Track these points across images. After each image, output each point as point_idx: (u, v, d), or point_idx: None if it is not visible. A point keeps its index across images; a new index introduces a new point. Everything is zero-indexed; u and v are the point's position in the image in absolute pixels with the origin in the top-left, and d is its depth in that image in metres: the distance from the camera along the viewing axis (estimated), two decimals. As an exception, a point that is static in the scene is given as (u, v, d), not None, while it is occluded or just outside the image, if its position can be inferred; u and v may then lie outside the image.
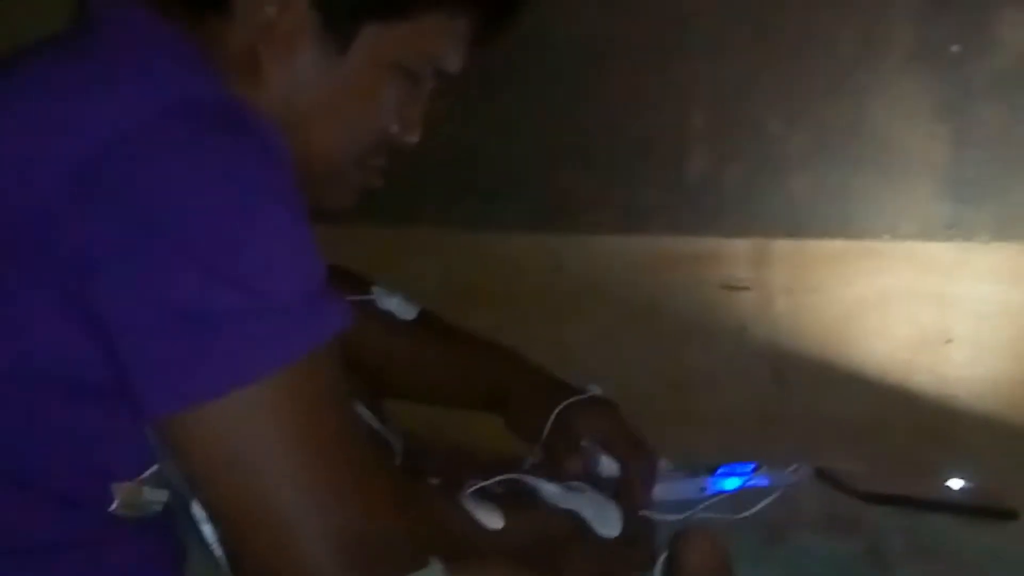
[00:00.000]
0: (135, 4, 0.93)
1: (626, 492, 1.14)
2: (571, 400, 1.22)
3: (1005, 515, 1.26)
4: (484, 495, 1.03)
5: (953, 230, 1.50)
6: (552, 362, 1.40)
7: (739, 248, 1.58)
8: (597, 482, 1.18)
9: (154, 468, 0.86)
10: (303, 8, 0.95)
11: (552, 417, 1.21)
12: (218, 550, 0.83)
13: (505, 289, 1.67)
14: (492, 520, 0.94)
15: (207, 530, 0.84)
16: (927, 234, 1.51)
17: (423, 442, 1.40)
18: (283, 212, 0.81)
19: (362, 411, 1.19)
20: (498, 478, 1.09)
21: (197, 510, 0.83)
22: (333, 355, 0.82)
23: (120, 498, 0.85)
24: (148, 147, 0.78)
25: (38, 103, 0.83)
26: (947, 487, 1.31)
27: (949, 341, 1.50)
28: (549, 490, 1.05)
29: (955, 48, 1.48)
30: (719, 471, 1.25)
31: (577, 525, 1.03)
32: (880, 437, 1.49)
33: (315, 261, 0.83)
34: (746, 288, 1.59)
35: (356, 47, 0.96)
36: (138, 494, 0.86)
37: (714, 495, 1.21)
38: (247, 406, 0.77)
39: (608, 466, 1.23)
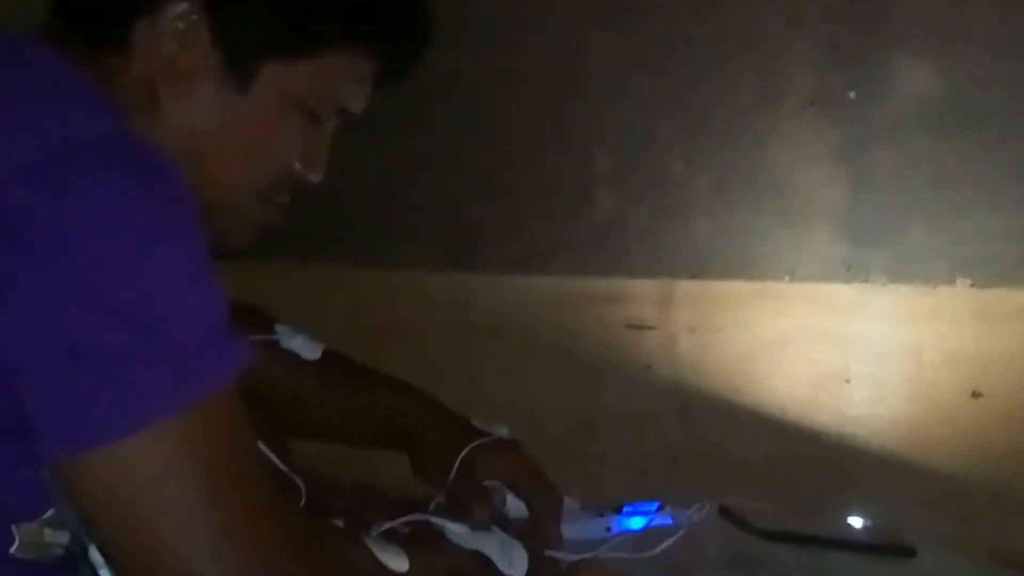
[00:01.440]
0: (30, 40, 0.92)
1: (533, 532, 1.14)
2: (477, 442, 1.22)
3: (903, 552, 1.28)
4: (390, 536, 1.02)
5: (851, 272, 1.52)
6: (461, 400, 1.39)
7: (644, 288, 1.59)
8: (505, 523, 1.17)
9: (53, 510, 0.84)
10: (204, 46, 0.93)
11: (458, 460, 1.21)
12: (117, 597, 0.81)
13: (413, 326, 1.67)
14: (397, 562, 0.93)
15: (104, 575, 0.82)
16: (826, 276, 1.53)
17: (328, 481, 1.38)
18: (182, 250, 0.80)
19: (265, 450, 1.16)
20: (404, 519, 1.08)
21: (95, 555, 0.81)
22: (234, 394, 0.81)
23: (20, 539, 0.83)
24: (43, 184, 0.76)
25: None
26: (847, 525, 1.32)
27: (848, 380, 1.52)
28: (455, 530, 1.05)
29: (852, 94, 1.51)
30: (624, 510, 1.25)
31: (483, 565, 1.02)
32: (782, 474, 1.51)
33: (215, 299, 0.81)
34: (651, 327, 1.59)
35: (258, 85, 0.95)
36: (39, 536, 0.84)
37: (619, 534, 1.21)
38: (144, 450, 0.75)
39: (515, 507, 1.22)
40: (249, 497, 0.79)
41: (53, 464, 0.78)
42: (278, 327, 1.31)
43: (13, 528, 0.82)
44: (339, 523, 1.23)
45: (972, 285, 1.48)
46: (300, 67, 0.97)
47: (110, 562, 0.80)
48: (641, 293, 1.60)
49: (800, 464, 1.51)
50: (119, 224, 0.77)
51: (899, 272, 1.51)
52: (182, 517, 0.76)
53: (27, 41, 0.92)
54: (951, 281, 1.49)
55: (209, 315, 0.80)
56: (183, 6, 0.93)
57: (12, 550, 0.82)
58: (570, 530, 1.23)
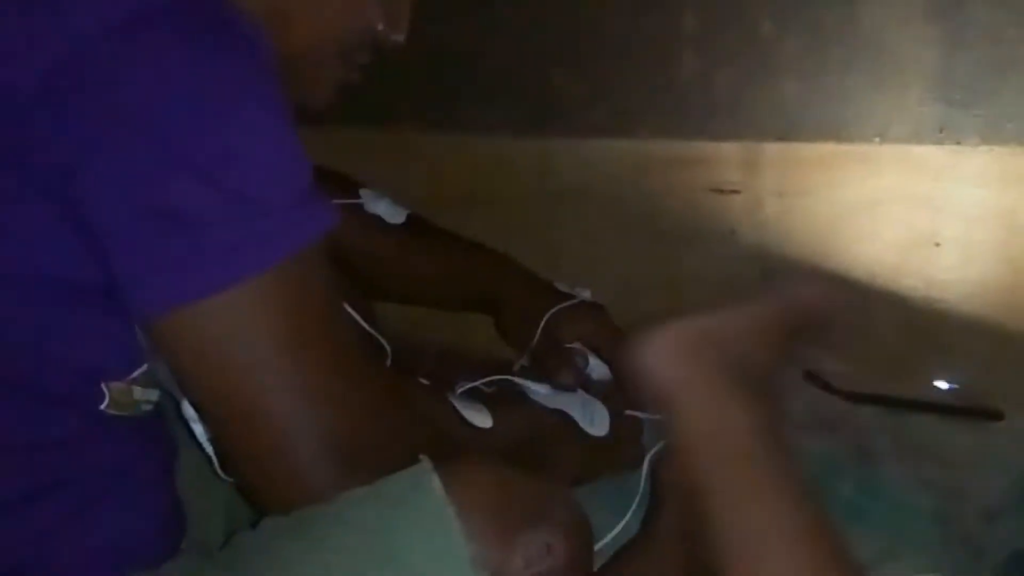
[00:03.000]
0: None
1: (615, 392, 1.15)
2: (560, 306, 1.23)
3: (991, 416, 1.28)
4: (473, 395, 1.04)
5: (943, 133, 1.49)
6: (542, 265, 1.40)
7: (729, 152, 1.58)
8: (587, 384, 1.19)
9: (144, 368, 0.86)
10: None
11: (542, 323, 1.22)
12: (209, 448, 0.84)
13: (495, 192, 1.68)
14: (481, 419, 0.95)
15: (198, 429, 0.84)
16: (917, 137, 1.51)
17: (413, 343, 1.40)
18: (267, 112, 0.81)
19: (352, 313, 1.18)
20: (487, 379, 1.10)
21: (187, 409, 0.84)
22: (321, 255, 0.82)
23: (111, 397, 0.85)
24: (127, 46, 0.77)
25: (12, 9, 0.81)
26: (934, 388, 1.33)
27: (938, 244, 1.51)
28: (538, 390, 1.07)
29: (949, -54, 1.47)
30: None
31: (566, 424, 1.04)
32: (869, 338, 1.50)
33: (300, 161, 0.82)
34: (736, 192, 1.59)
35: None
36: (129, 393, 0.86)
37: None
38: (232, 307, 0.77)
39: (598, 368, 1.24)
40: (337, 354, 0.81)
41: (145, 323, 0.80)
42: (362, 191, 1.32)
43: (103, 386, 0.85)
44: (424, 381, 1.26)
45: (1070, 146, 1.46)
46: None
47: (202, 416, 0.83)
48: (726, 156, 1.59)
49: (887, 328, 1.51)
50: (204, 87, 0.78)
51: (993, 134, 1.48)
52: (270, 372, 0.78)
53: None
54: (1048, 142, 1.47)
55: (294, 177, 0.81)
56: None
57: (103, 407, 0.85)
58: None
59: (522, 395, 1.05)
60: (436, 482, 0.73)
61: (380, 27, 1.01)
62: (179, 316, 0.78)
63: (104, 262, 0.79)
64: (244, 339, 0.78)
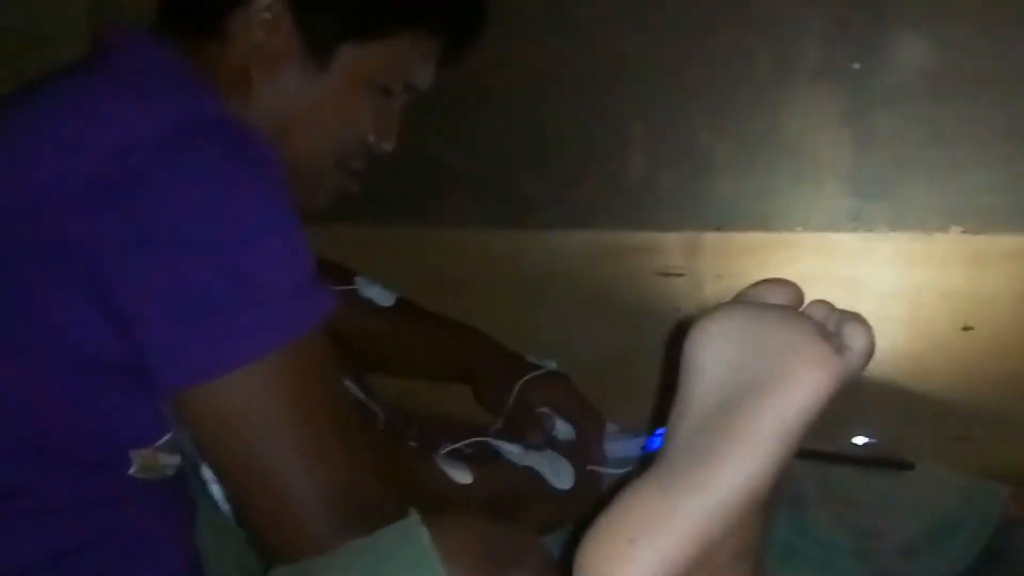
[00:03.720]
0: (141, 34, 0.94)
1: (578, 450, 1.16)
2: (530, 375, 1.24)
3: (902, 466, 1.29)
4: (455, 456, 1.04)
5: (856, 222, 1.51)
6: (514, 341, 1.41)
7: (673, 241, 1.59)
8: (554, 444, 1.19)
9: (168, 436, 0.86)
10: (288, 32, 0.95)
11: (515, 390, 1.23)
12: (225, 507, 0.84)
13: (472, 278, 1.68)
14: (462, 476, 0.95)
15: (215, 490, 0.84)
16: (834, 226, 1.52)
17: (402, 411, 1.40)
18: (276, 213, 0.82)
19: (349, 384, 1.19)
20: (467, 441, 1.11)
21: (206, 472, 0.84)
22: (322, 337, 0.83)
23: (138, 463, 0.86)
24: (157, 157, 0.79)
25: (59, 121, 0.83)
26: (853, 443, 1.33)
27: (854, 317, 1.51)
28: (511, 450, 1.07)
29: (856, 65, 1.49)
30: (656, 432, 1.26)
31: (535, 480, 1.05)
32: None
33: (305, 254, 0.84)
34: (680, 275, 1.59)
35: (336, 65, 0.97)
36: (154, 459, 0.87)
37: (653, 452, 1.23)
38: (246, 383, 0.78)
39: (563, 430, 1.24)
40: (336, 422, 0.81)
41: (170, 397, 0.81)
42: (357, 278, 1.34)
43: (131, 454, 0.85)
44: (412, 444, 1.25)
45: (964, 232, 1.47)
46: (373, 48, 0.99)
47: (218, 478, 0.83)
48: (671, 245, 1.59)
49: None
50: (223, 192, 0.79)
51: (899, 222, 1.50)
52: (278, 439, 0.79)
53: (141, 35, 0.94)
54: (945, 229, 1.48)
55: (300, 268, 0.83)
56: None
57: (131, 472, 0.85)
58: (610, 449, 1.25)
59: (497, 454, 1.05)
60: (424, 534, 0.74)
61: (372, 138, 1.03)
62: (200, 391, 0.78)
63: (132, 344, 0.79)
64: (256, 411, 0.78)
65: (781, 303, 0.69)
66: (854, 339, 0.65)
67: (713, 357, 0.64)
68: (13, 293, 0.79)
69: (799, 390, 0.61)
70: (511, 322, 1.61)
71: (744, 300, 0.69)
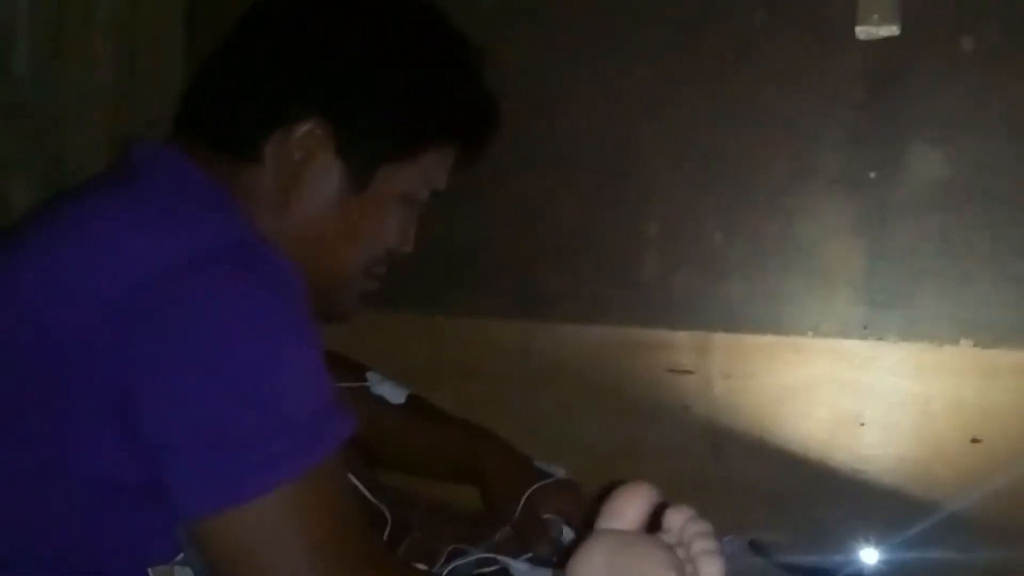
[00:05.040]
0: (172, 152, 0.95)
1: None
2: (539, 484, 1.24)
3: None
4: (462, 571, 1.03)
5: (867, 330, 1.51)
6: (522, 430, 1.41)
7: (684, 339, 1.59)
8: (560, 549, 1.19)
9: (182, 555, 0.86)
10: (328, 156, 0.96)
11: (523, 500, 1.23)
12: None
13: (484, 367, 1.68)
14: (471, 599, 0.95)
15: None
16: (845, 332, 1.52)
17: (409, 499, 1.40)
18: (298, 342, 0.82)
19: (356, 483, 1.18)
20: (474, 557, 1.10)
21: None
22: (337, 462, 0.83)
23: (154, 577, 0.86)
24: (187, 283, 0.79)
25: (81, 246, 0.83)
26: (858, 558, 1.32)
27: (862, 424, 1.51)
28: (518, 568, 1.06)
29: (872, 175, 1.50)
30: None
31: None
32: (804, 506, 1.50)
33: (323, 382, 0.84)
34: (690, 372, 1.59)
35: (373, 187, 0.99)
36: (169, 574, 0.86)
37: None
38: (264, 511, 0.78)
39: (570, 536, 1.24)
40: (349, 549, 0.81)
41: (187, 522, 0.81)
42: (369, 375, 1.34)
43: (149, 571, 0.85)
44: (417, 535, 1.25)
45: (974, 345, 1.47)
46: (407, 167, 1.01)
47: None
48: (681, 343, 1.59)
49: (819, 497, 1.51)
50: (244, 321, 0.79)
51: (910, 332, 1.50)
52: (295, 564, 0.79)
53: (170, 152, 0.94)
54: (956, 341, 1.47)
55: (320, 398, 0.83)
56: (309, 124, 0.96)
57: (148, 586, 0.85)
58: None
59: (504, 573, 1.05)
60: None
61: (394, 244, 1.04)
62: (217, 520, 0.78)
63: (151, 467, 0.79)
64: (271, 540, 0.78)
65: (641, 512, 0.71)
66: (705, 571, 0.69)
67: None
68: (40, 416, 0.79)
69: None
70: (520, 410, 1.62)
71: (607, 526, 0.72)
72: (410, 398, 1.33)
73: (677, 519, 0.72)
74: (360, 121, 0.97)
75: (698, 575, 0.69)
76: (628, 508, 0.72)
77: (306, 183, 0.96)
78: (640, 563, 0.67)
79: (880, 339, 1.51)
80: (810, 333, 1.54)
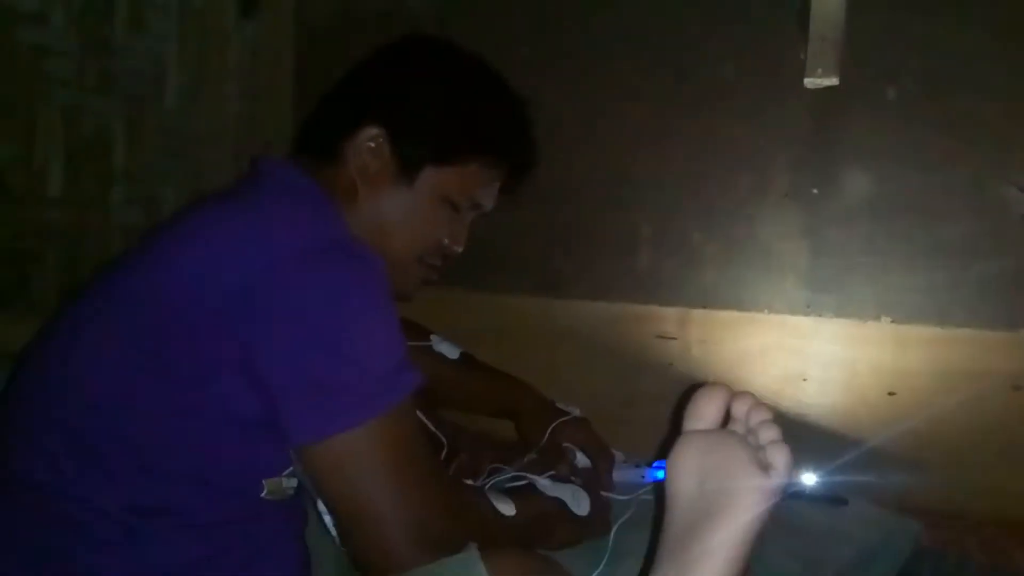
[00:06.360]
0: (288, 165, 0.95)
1: (593, 481, 1.15)
2: (560, 419, 1.24)
3: (839, 502, 1.27)
4: (501, 490, 1.03)
5: (809, 308, 1.51)
6: (544, 381, 1.41)
7: (669, 313, 1.59)
8: (575, 471, 1.18)
9: (290, 468, 0.87)
10: (387, 156, 0.96)
11: (548, 432, 1.23)
12: (333, 531, 0.84)
13: (515, 332, 1.68)
14: (507, 508, 0.94)
15: (327, 519, 0.84)
16: (792, 310, 1.52)
17: (460, 430, 1.40)
18: (380, 313, 0.82)
19: (422, 418, 1.18)
20: (510, 474, 1.10)
21: (321, 505, 0.84)
22: (412, 407, 0.83)
23: (268, 488, 0.86)
24: (295, 271, 0.79)
25: (216, 239, 0.83)
26: (799, 482, 1.31)
27: (805, 380, 1.51)
28: (542, 483, 1.06)
29: (815, 191, 1.50)
30: (654, 464, 1.25)
31: (561, 508, 1.03)
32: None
33: (399, 343, 0.83)
34: (673, 339, 1.59)
35: (419, 183, 0.97)
36: (280, 484, 0.87)
37: (651, 482, 1.22)
38: (354, 442, 0.79)
39: (582, 460, 1.23)
40: (421, 473, 0.81)
41: (294, 448, 0.81)
42: (432, 336, 1.34)
43: (263, 482, 0.85)
44: (465, 456, 1.24)
45: (892, 321, 1.46)
46: (449, 171, 0.99)
47: (329, 509, 0.83)
48: (667, 316, 1.60)
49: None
50: (341, 299, 0.80)
51: (842, 311, 1.49)
52: (374, 486, 0.79)
53: (289, 167, 0.94)
54: (877, 318, 1.47)
55: (396, 354, 0.83)
56: (374, 129, 0.96)
57: (262, 495, 0.86)
58: (617, 476, 1.24)
59: (532, 487, 1.04)
60: (481, 565, 0.73)
61: (445, 241, 1.03)
62: (317, 447, 0.79)
63: (268, 406, 0.80)
64: (358, 464, 0.79)
65: (717, 411, 0.70)
66: (776, 458, 0.67)
67: (680, 489, 0.68)
68: (183, 366, 0.79)
69: (743, 514, 0.65)
70: (540, 368, 1.61)
71: (694, 425, 0.70)
72: (463, 355, 1.33)
73: (742, 408, 0.71)
74: (409, 127, 0.96)
75: (769, 463, 0.66)
76: (707, 409, 0.71)
77: (371, 178, 0.96)
78: (726, 463, 0.66)
79: (819, 316, 1.51)
80: (765, 311, 1.54)
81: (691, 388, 0.77)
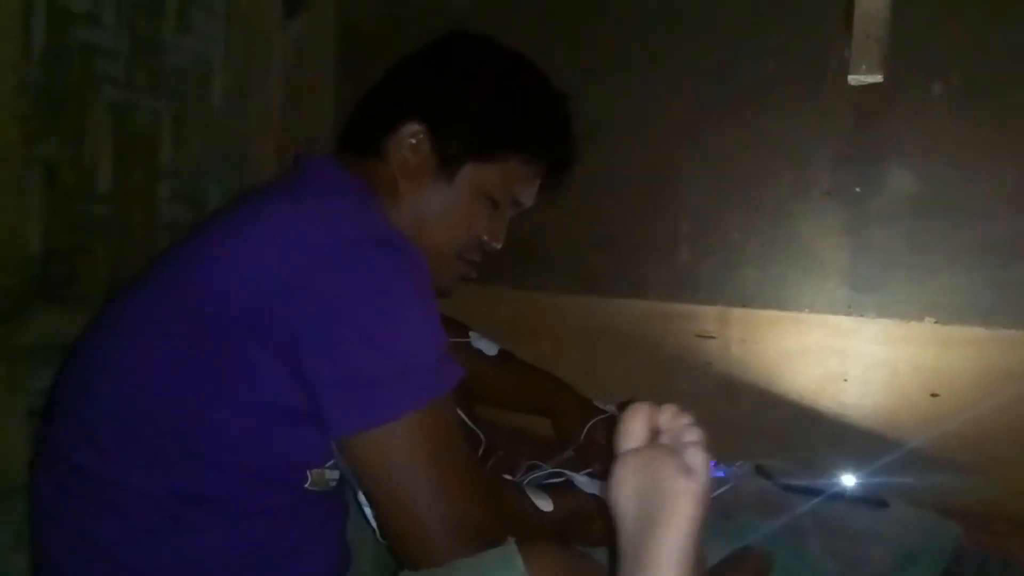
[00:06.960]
0: (331, 161, 0.96)
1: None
2: (597, 418, 1.24)
3: (879, 503, 1.26)
4: (539, 486, 1.03)
5: (850, 308, 1.49)
6: (582, 378, 1.41)
7: (709, 312, 1.58)
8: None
9: (333, 460, 0.88)
10: (427, 152, 0.97)
11: (585, 430, 1.23)
12: (373, 523, 0.85)
13: (552, 329, 1.69)
14: (545, 504, 0.95)
15: (367, 510, 0.85)
16: (833, 310, 1.50)
17: (497, 426, 1.40)
18: (421, 308, 0.83)
19: (461, 415, 1.19)
20: (548, 471, 1.10)
21: (361, 496, 0.84)
22: (451, 401, 0.84)
23: (311, 479, 0.87)
24: (337, 265, 0.80)
25: (261, 233, 0.85)
26: (842, 481, 1.30)
27: (846, 380, 1.49)
28: (580, 480, 1.06)
29: (857, 189, 1.48)
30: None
31: (597, 503, 1.04)
32: (798, 442, 1.49)
33: (440, 338, 0.84)
34: (712, 337, 1.58)
35: (459, 178, 0.98)
36: (323, 475, 0.88)
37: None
38: (395, 434, 0.79)
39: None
40: (458, 466, 0.82)
41: (336, 439, 0.82)
42: (471, 333, 1.35)
43: (307, 472, 0.87)
44: (501, 453, 1.25)
45: (935, 322, 1.44)
46: (488, 168, 1.00)
47: (369, 501, 0.84)
48: (706, 315, 1.59)
49: (811, 436, 1.49)
50: (384, 292, 0.80)
51: (884, 310, 1.47)
52: (414, 478, 0.79)
53: (333, 163, 0.95)
54: (920, 318, 1.44)
55: (437, 349, 0.83)
56: (415, 126, 0.96)
57: (306, 486, 0.87)
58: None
59: (570, 483, 1.05)
60: (519, 559, 0.74)
61: (484, 237, 1.03)
62: (359, 439, 0.79)
63: (312, 399, 0.81)
64: (399, 456, 0.79)
65: (643, 427, 0.75)
66: (693, 461, 0.70)
67: (623, 510, 0.72)
68: (229, 358, 0.81)
69: (679, 520, 0.68)
70: (578, 366, 1.61)
71: (627, 445, 0.74)
72: (501, 351, 1.34)
73: (665, 419, 0.74)
74: (450, 124, 0.97)
75: (686, 463, 0.69)
76: (634, 427, 0.73)
77: (411, 174, 0.97)
78: (656, 475, 0.70)
79: (861, 316, 1.49)
80: (806, 310, 1.53)
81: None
